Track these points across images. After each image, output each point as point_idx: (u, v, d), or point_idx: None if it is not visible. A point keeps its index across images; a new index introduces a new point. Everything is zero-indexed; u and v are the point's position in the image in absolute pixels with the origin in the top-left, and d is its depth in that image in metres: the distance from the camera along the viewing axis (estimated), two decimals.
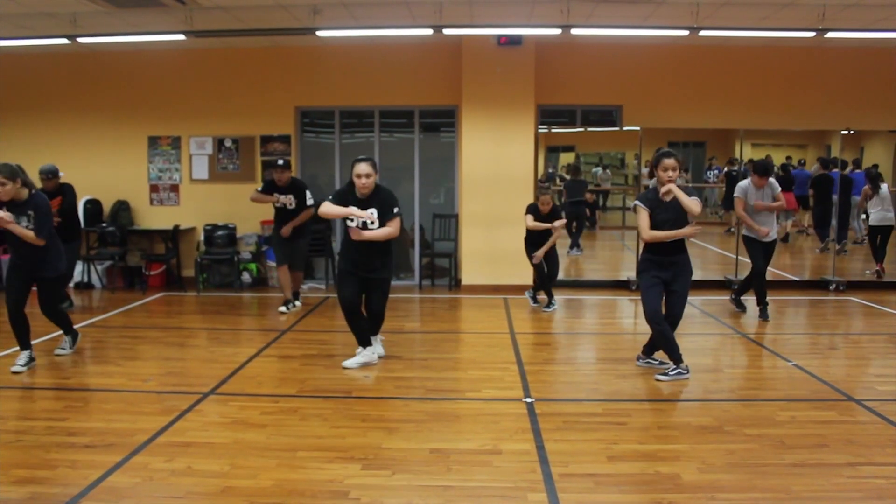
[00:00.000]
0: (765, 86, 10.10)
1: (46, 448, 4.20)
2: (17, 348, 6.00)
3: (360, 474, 3.82)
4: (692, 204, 5.38)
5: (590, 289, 9.51)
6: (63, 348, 6.37)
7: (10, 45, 9.12)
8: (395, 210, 5.74)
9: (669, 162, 5.42)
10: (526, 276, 9.67)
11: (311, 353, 6.53)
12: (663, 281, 5.56)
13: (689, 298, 8.42)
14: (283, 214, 8.34)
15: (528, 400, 5.09)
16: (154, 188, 10.59)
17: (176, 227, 10.07)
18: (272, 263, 10.23)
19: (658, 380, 5.53)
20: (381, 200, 5.75)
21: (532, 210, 8.28)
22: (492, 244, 9.69)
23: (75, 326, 7.12)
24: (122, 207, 10.30)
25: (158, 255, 10.28)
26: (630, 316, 8.55)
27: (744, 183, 7.69)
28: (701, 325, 7.63)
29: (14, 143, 10.30)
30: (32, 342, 6.06)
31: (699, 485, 3.67)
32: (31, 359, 6.00)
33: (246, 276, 10.27)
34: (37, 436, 4.42)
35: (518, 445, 4.23)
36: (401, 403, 5.08)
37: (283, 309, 8.40)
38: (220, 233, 10.17)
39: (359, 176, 5.64)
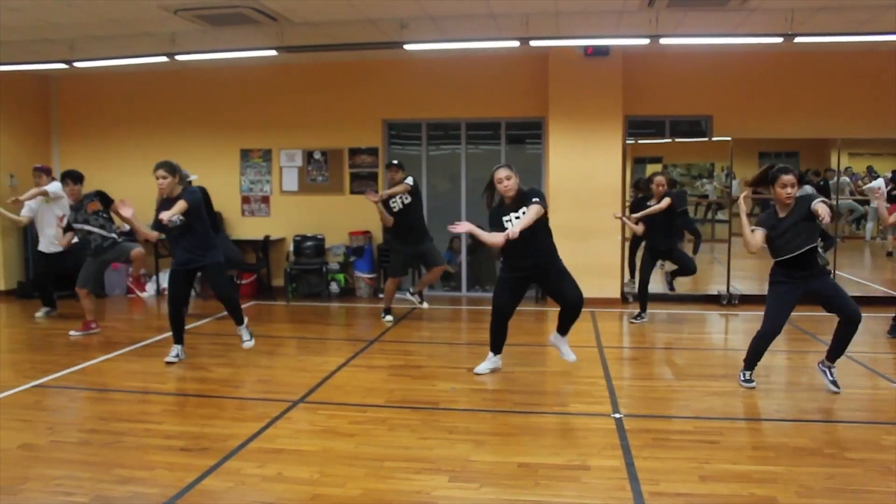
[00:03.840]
0: (863, 92, 9.63)
1: (145, 449, 4.34)
2: (98, 359, 6.23)
3: (448, 486, 3.81)
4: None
5: (679, 302, 9.28)
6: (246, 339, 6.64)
7: (113, 65, 9.53)
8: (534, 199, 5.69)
9: (788, 178, 5.14)
10: (615, 288, 9.54)
11: (398, 363, 6.57)
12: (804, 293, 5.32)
13: None
14: (403, 215, 8.16)
15: (617, 415, 4.99)
16: (246, 199, 10.88)
17: (266, 238, 10.32)
18: (360, 274, 10.38)
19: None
20: (525, 198, 5.73)
21: (638, 206, 8.08)
22: (579, 257, 9.45)
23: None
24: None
25: (249, 264, 10.53)
26: (720, 331, 8.31)
27: None
28: (796, 343, 7.33)
29: (114, 156, 10.77)
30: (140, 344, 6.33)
31: None
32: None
33: (334, 287, 10.44)
34: (136, 437, 4.57)
35: (607, 462, 4.15)
36: (488, 416, 5.05)
37: (388, 318, 8.47)
38: (308, 243, 10.38)
39: (500, 181, 5.69)
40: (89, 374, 6.22)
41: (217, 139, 10.74)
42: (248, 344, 6.59)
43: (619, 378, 6.02)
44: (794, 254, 5.21)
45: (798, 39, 7.99)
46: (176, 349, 6.45)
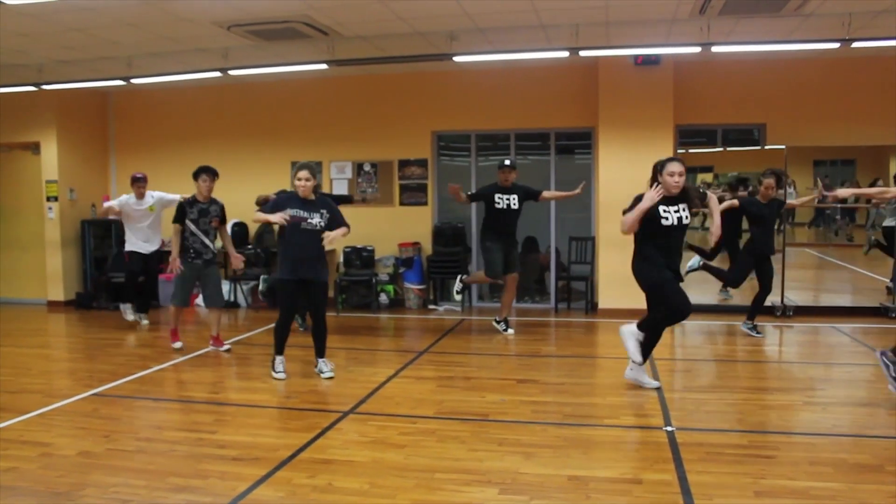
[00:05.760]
0: None
1: (198, 458, 4.41)
2: (153, 369, 6.33)
3: (498, 499, 3.78)
4: None
5: (732, 314, 9.09)
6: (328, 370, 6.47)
7: (169, 81, 9.76)
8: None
9: None
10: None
11: (447, 375, 6.57)
12: None
13: (839, 326, 7.93)
14: (506, 216, 8.21)
15: (669, 428, 4.91)
16: None
17: None
18: (409, 285, 10.41)
19: None
20: (687, 193, 5.75)
21: (751, 205, 7.72)
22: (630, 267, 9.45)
23: (227, 344, 7.52)
24: (266, 230, 10.70)
25: None
26: (774, 343, 8.12)
27: None
28: (854, 355, 7.15)
29: (169, 169, 10.95)
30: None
31: None
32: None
33: (383, 298, 10.48)
34: (189, 446, 4.65)
35: (659, 475, 4.07)
36: (538, 428, 5.01)
37: (503, 328, 8.45)
38: (358, 254, 10.45)
39: (672, 174, 5.62)
40: (145, 383, 6.35)
41: (268, 151, 10.89)
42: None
43: (670, 390, 5.92)
44: None
45: (856, 44, 7.79)
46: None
